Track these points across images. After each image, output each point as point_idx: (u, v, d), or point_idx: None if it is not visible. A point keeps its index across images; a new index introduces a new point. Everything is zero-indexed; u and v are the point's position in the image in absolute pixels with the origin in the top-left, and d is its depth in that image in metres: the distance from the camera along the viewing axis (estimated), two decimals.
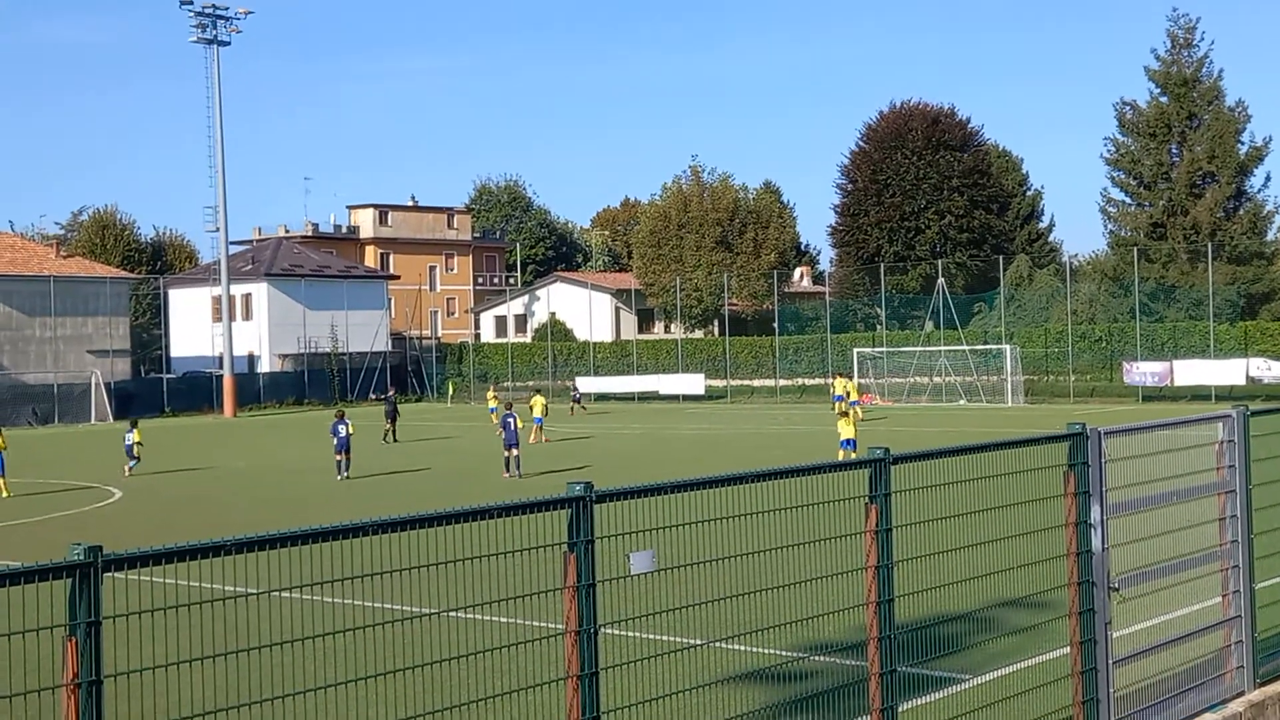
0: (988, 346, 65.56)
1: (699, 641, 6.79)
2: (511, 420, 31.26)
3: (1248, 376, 55.54)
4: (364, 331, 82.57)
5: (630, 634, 6.37)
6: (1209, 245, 63.19)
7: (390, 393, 55.45)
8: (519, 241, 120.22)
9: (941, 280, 69.95)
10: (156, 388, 73.28)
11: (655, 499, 5.84)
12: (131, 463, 34.44)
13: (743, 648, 7.14)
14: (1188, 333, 62.82)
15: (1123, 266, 69.13)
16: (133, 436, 34.64)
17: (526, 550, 5.66)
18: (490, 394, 56.45)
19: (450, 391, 79.20)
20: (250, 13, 71.97)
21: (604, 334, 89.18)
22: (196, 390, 73.55)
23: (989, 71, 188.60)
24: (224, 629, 5.44)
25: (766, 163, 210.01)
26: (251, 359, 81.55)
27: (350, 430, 31.92)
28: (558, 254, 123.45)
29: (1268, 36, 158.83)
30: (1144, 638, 8.32)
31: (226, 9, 71.03)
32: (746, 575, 6.27)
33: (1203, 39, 71.04)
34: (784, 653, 7.27)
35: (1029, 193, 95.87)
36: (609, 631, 5.78)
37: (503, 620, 6.55)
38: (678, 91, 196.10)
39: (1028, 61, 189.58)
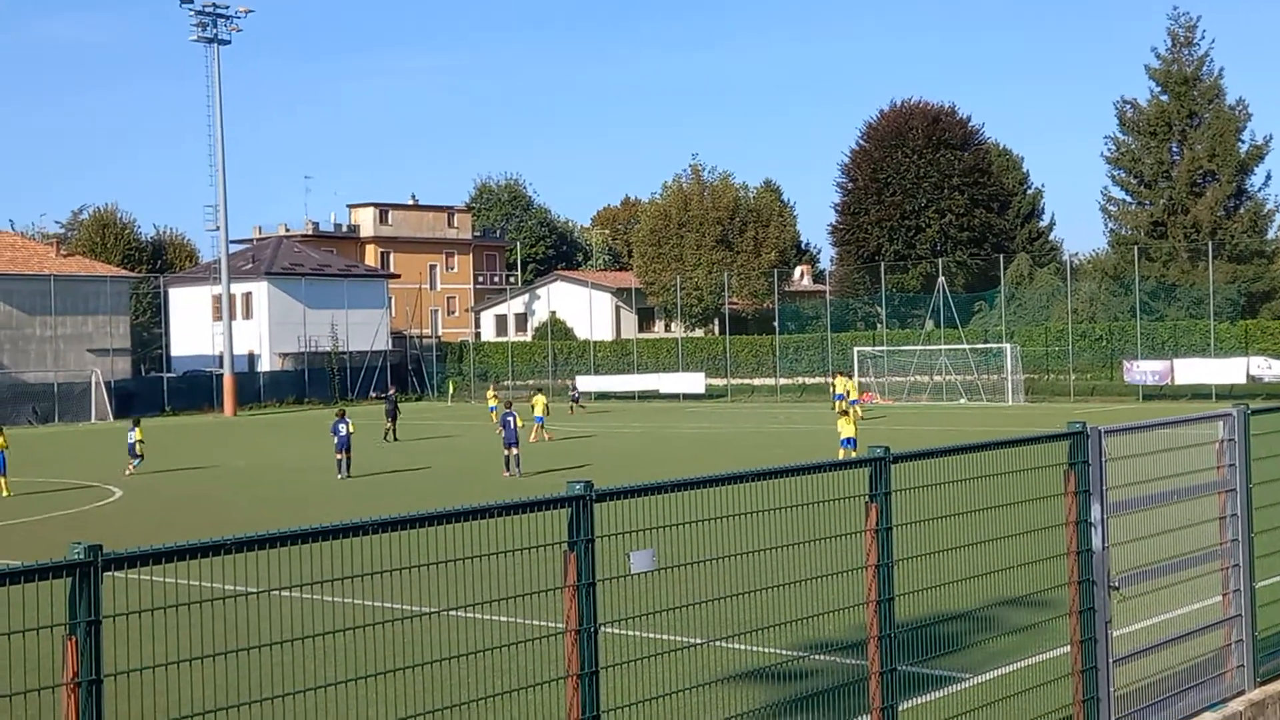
0: (988, 345, 65.57)
1: (699, 640, 6.79)
2: (511, 419, 31.28)
3: (1248, 375, 55.54)
4: (364, 330, 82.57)
5: (630, 633, 6.37)
6: (1209, 244, 63.19)
7: (391, 391, 55.46)
8: (519, 240, 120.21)
9: (942, 279, 69.95)
10: (157, 387, 73.29)
11: (655, 498, 5.84)
12: (135, 461, 34.49)
13: (743, 647, 7.14)
14: (1188, 331, 62.82)
15: (1123, 265, 69.14)
16: (135, 435, 34.68)
17: (527, 549, 5.66)
18: (490, 393, 56.46)
19: (450, 390, 79.20)
20: (250, 11, 72.03)
21: (604, 333, 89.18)
22: (197, 389, 73.56)
23: (989, 70, 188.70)
24: (224, 628, 5.44)
25: (767, 161, 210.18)
26: (252, 358, 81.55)
27: (351, 429, 31.93)
28: (558, 253, 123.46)
29: (1268, 35, 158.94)
30: (1144, 636, 8.31)
31: (227, 8, 71.04)
32: (747, 574, 6.27)
33: (1203, 37, 71.15)
34: (784, 652, 7.27)
35: (1029, 191, 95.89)
36: (609, 630, 5.78)
37: (503, 619, 6.55)
38: (678, 91, 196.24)
39: (1028, 60, 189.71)
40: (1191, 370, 57.12)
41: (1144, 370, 58.61)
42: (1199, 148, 69.37)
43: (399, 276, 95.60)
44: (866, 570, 6.72)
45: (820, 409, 55.83)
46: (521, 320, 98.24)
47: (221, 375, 72.31)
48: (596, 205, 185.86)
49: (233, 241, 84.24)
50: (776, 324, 77.56)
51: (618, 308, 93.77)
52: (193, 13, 70.17)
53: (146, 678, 4.87)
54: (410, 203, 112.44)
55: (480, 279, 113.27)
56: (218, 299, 76.73)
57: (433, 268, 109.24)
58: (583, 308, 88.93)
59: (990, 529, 7.29)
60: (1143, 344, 61.93)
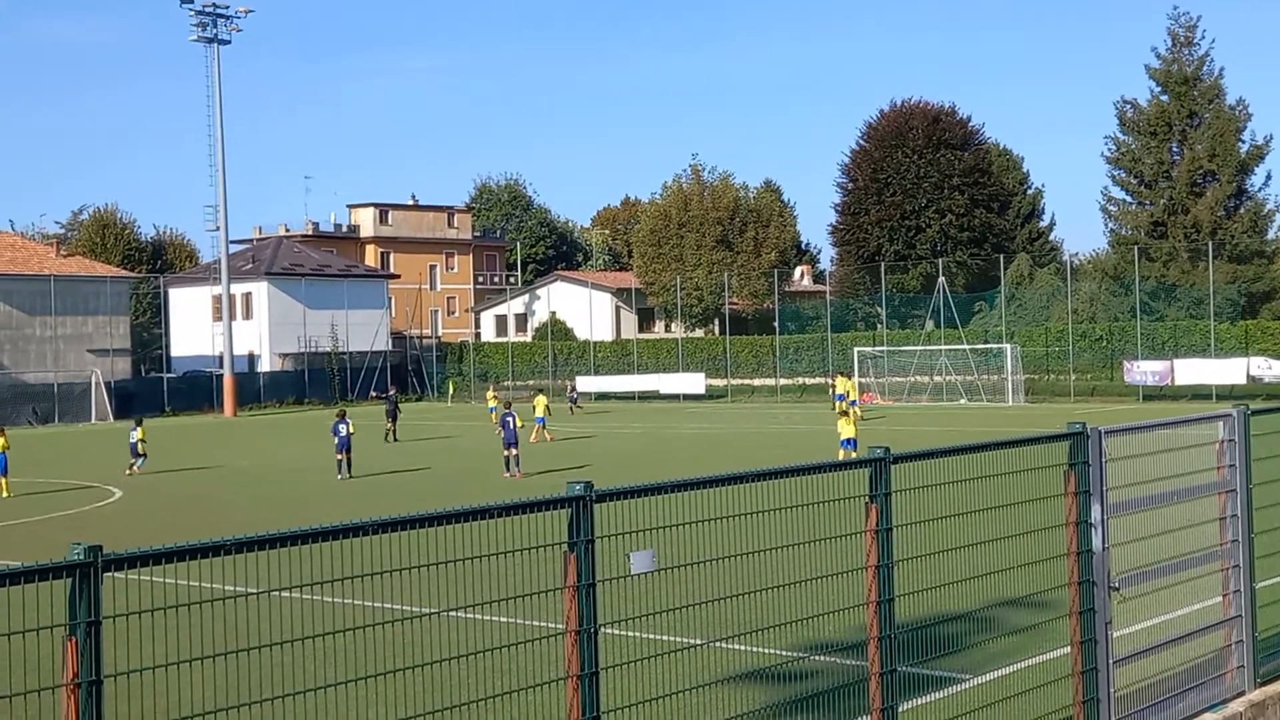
0: (988, 345, 65.56)
1: (699, 641, 6.79)
2: (510, 419, 31.28)
3: (1248, 375, 55.54)
4: (364, 331, 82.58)
5: (630, 634, 6.37)
6: (1209, 244, 63.18)
7: (392, 392, 55.48)
8: (519, 240, 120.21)
9: (942, 279, 69.95)
10: (157, 387, 73.29)
11: (655, 498, 5.84)
12: (139, 461, 34.58)
13: (743, 647, 7.14)
14: (1188, 332, 62.81)
15: (1123, 265, 69.12)
16: (137, 434, 34.82)
17: (527, 550, 5.66)
18: (490, 393, 56.46)
19: (450, 391, 79.20)
20: (251, 11, 72.04)
21: (604, 333, 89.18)
22: (197, 390, 73.56)
23: (989, 70, 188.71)
24: (224, 629, 5.44)
25: (767, 161, 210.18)
26: (252, 358, 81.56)
27: (351, 430, 31.94)
28: (558, 253, 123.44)
29: (1268, 35, 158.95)
30: (1144, 637, 8.31)
31: (227, 8, 71.04)
32: (747, 575, 6.27)
33: (1203, 37, 71.16)
34: (784, 652, 7.26)
35: (1029, 191, 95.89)
36: (609, 631, 5.78)
37: (503, 620, 6.55)
38: (678, 91, 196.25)
39: (1028, 60, 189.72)
40: (1192, 371, 57.13)
41: (1144, 371, 58.61)
42: (1199, 148, 69.37)
43: (399, 277, 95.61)
44: (866, 571, 6.72)
45: (820, 409, 55.83)
46: (521, 320, 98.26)
47: (221, 376, 72.31)
48: (596, 205, 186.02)
49: (233, 242, 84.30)
50: (777, 324, 77.56)
51: (618, 308, 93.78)
52: (193, 13, 70.20)
53: (146, 678, 4.87)
54: (410, 203, 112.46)
55: (480, 279, 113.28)
56: (218, 299, 76.73)
57: (433, 268, 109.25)
58: (583, 308, 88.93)
59: (990, 530, 7.29)
60: (1143, 344, 61.93)
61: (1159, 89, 70.88)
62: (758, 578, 6.32)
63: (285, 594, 5.34)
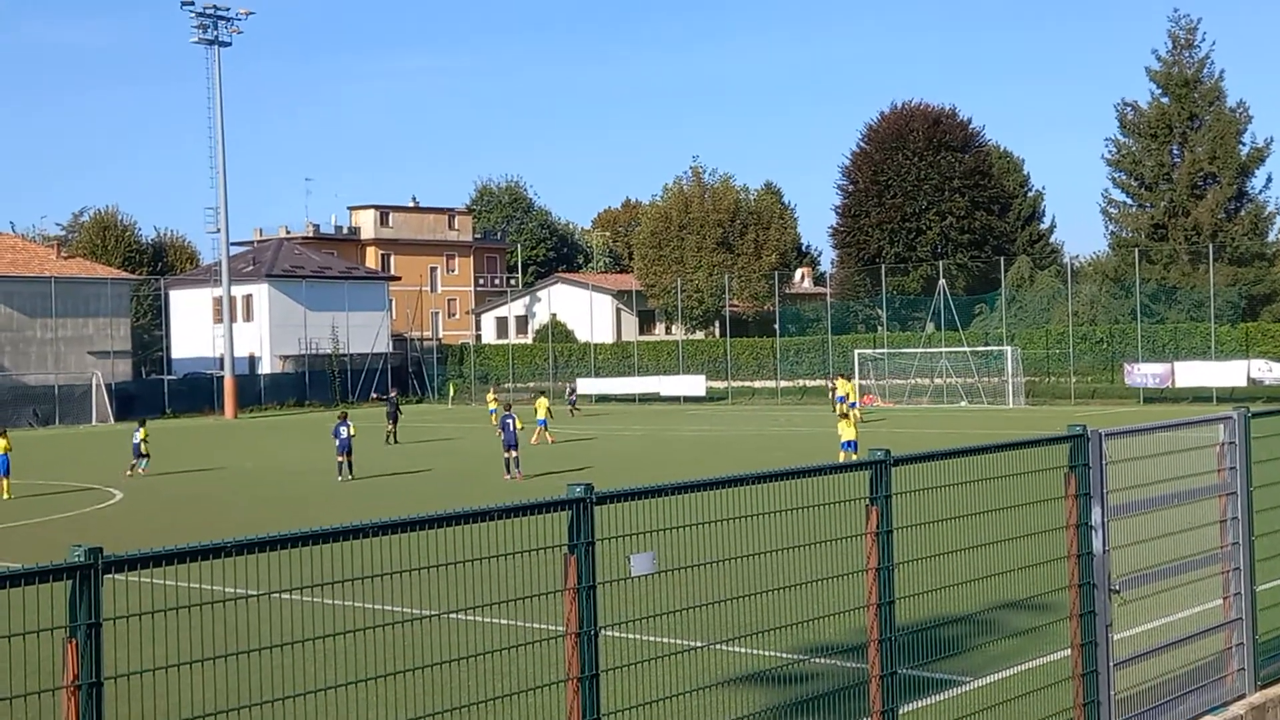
0: (989, 348, 65.56)
1: (699, 644, 6.79)
2: (510, 421, 31.29)
3: (1249, 378, 55.54)
4: (365, 333, 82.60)
5: (631, 636, 6.37)
6: (1210, 246, 63.19)
7: (393, 394, 55.51)
8: (520, 242, 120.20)
9: (942, 281, 69.96)
10: (157, 389, 73.31)
11: (656, 501, 5.84)
12: (142, 461, 34.68)
13: (743, 650, 7.14)
14: (1189, 334, 62.82)
15: (1124, 268, 69.11)
16: (139, 435, 35.01)
17: (527, 552, 5.66)
18: (490, 396, 56.46)
19: (451, 393, 79.21)
20: (251, 13, 72.07)
21: (605, 335, 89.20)
22: (197, 391, 73.59)
23: (990, 72, 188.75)
24: (224, 630, 5.44)
25: (767, 163, 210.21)
26: (252, 360, 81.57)
27: (352, 432, 31.96)
28: (559, 255, 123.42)
29: (1269, 37, 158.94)
30: (1145, 640, 8.31)
31: (227, 10, 71.10)
32: (747, 577, 6.27)
33: (1204, 40, 71.17)
34: (785, 655, 7.26)
35: (1030, 194, 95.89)
36: (609, 633, 5.78)
37: (503, 622, 6.55)
38: (678, 91, 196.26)
39: (1029, 62, 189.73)
40: (1192, 373, 57.13)
41: (1145, 373, 58.61)
42: (1200, 150, 69.37)
43: (399, 279, 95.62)
44: (867, 573, 6.72)
45: (821, 411, 55.83)
46: (522, 323, 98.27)
47: (222, 377, 72.34)
48: (597, 207, 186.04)
49: (233, 244, 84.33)
50: (777, 326, 77.57)
51: (618, 310, 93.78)
52: (193, 15, 70.26)
53: (147, 680, 4.87)
54: (411, 205, 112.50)
55: (481, 281, 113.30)
56: (218, 301, 76.75)
57: (433, 270, 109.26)
58: (583, 310, 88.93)
59: (991, 532, 7.29)
60: (1143, 347, 61.93)
61: (1159, 91, 70.89)
62: (758, 580, 6.32)
63: (286, 596, 5.34)
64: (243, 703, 5.13)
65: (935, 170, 79.74)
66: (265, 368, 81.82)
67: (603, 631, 5.60)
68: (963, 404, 62.09)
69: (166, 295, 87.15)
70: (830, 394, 56.10)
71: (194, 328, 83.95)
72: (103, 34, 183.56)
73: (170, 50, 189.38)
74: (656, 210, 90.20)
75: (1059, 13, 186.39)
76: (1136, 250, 65.63)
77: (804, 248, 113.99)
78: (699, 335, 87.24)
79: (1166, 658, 8.44)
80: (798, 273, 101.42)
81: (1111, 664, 7.91)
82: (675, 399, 70.73)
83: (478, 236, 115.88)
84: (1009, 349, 63.19)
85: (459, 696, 5.75)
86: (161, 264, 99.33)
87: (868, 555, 6.72)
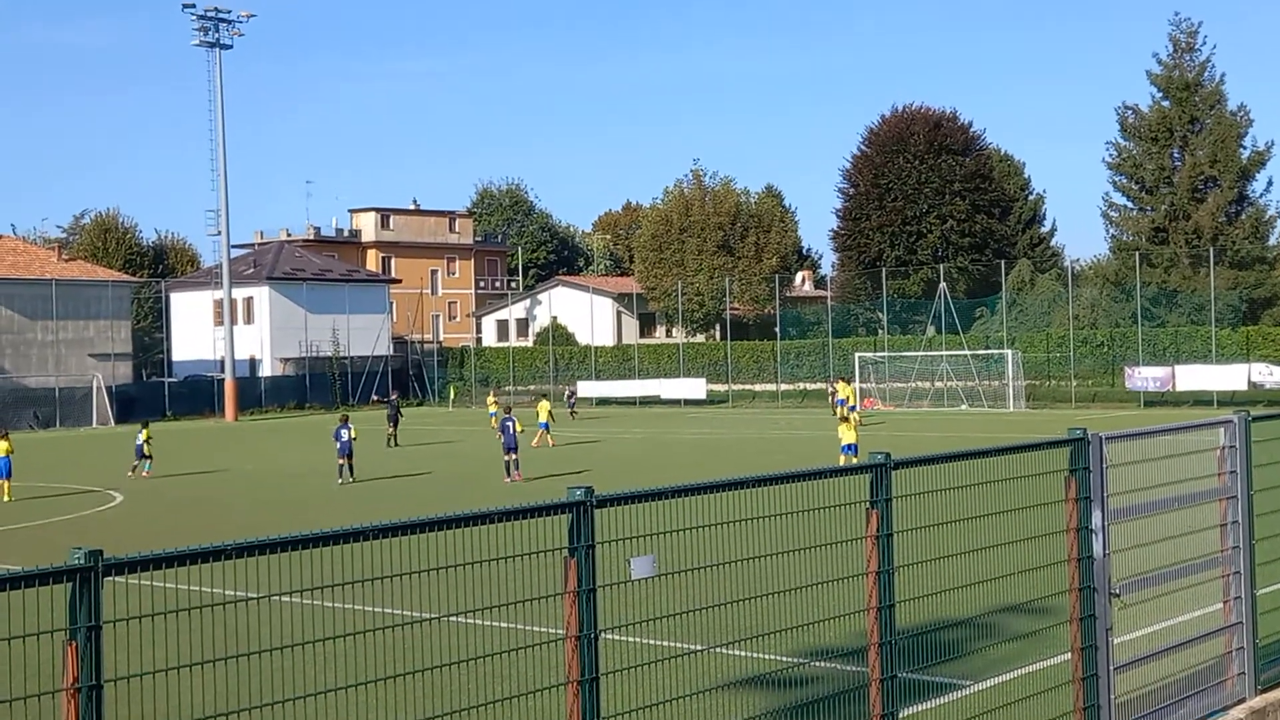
0: (989, 351, 65.58)
1: (700, 647, 6.79)
2: (510, 424, 31.30)
3: (1249, 382, 55.57)
4: (365, 335, 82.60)
5: (631, 639, 6.37)
6: (1211, 250, 63.22)
7: (393, 396, 55.50)
8: (520, 245, 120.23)
9: (943, 285, 69.97)
10: (158, 391, 73.32)
11: (656, 504, 5.84)
12: (145, 463, 34.76)
13: (743, 653, 7.14)
14: (1189, 338, 62.83)
15: (1124, 271, 69.13)
16: (143, 437, 35.13)
17: (527, 555, 5.66)
18: (490, 398, 56.49)
19: (451, 396, 79.21)
20: (252, 15, 72.12)
21: (605, 338, 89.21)
22: (198, 394, 73.60)
23: (991, 75, 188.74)
24: (224, 633, 5.44)
25: (768, 166, 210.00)
26: (253, 363, 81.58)
27: (353, 435, 31.97)
28: (559, 258, 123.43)
29: (1270, 41, 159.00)
30: (1145, 644, 8.31)
31: (228, 12, 71.15)
32: (747, 580, 6.26)
33: (1204, 43, 71.21)
34: (785, 658, 7.26)
35: (1031, 197, 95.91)
36: (609, 637, 5.78)
37: (503, 625, 6.55)
38: (678, 92, 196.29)
39: (1030, 65, 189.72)
40: (1193, 377, 57.14)
41: (1145, 377, 58.61)
42: (1200, 153, 69.40)
43: (400, 281, 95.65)
44: (867, 576, 6.72)
45: (821, 414, 55.82)
46: (523, 325, 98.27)
47: (223, 380, 72.35)
48: (598, 210, 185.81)
49: (234, 246, 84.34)
50: (778, 329, 77.59)
51: (619, 313, 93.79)
52: (194, 17, 70.31)
53: (147, 683, 4.86)
54: (412, 207, 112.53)
55: (481, 284, 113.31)
56: (219, 304, 76.77)
57: (434, 273, 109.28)
58: (584, 313, 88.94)
59: (991, 535, 7.29)
60: (1144, 350, 61.95)
61: (1160, 95, 70.92)
62: (758, 583, 6.32)
63: (286, 598, 5.34)
64: (243, 705, 5.13)
65: (936, 173, 79.77)
66: (266, 370, 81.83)
67: (603, 635, 5.60)
68: (963, 407, 62.09)
69: (167, 298, 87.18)
70: (830, 397, 56.09)
71: (195, 330, 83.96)
72: (103, 35, 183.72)
73: (171, 52, 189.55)
74: (657, 213, 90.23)
75: (1060, 16, 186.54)
76: (1137, 254, 65.65)
77: (805, 251, 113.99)
78: (699, 338, 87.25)
79: (1167, 662, 8.44)
80: (798, 276, 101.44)
81: (1112, 668, 7.91)
82: (676, 402, 70.73)
83: (478, 239, 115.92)
84: (1009, 352, 63.20)
85: (459, 699, 5.75)
86: (162, 266, 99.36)
87: (868, 558, 6.72)
